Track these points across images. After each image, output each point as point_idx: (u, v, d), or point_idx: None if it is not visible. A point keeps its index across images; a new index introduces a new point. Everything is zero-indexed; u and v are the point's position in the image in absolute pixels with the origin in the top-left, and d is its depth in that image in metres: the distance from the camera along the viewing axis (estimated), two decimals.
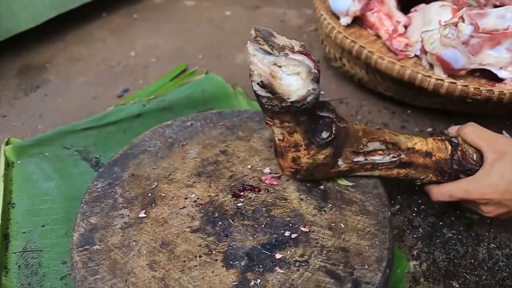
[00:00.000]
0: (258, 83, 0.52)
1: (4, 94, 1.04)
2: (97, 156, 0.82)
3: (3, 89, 1.05)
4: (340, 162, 0.60)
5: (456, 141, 0.62)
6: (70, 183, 0.78)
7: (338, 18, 0.93)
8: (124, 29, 1.26)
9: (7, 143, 0.84)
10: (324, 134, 0.58)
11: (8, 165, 0.80)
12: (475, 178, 0.58)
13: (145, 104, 0.89)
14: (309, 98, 0.53)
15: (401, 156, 0.61)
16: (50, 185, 0.77)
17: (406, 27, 0.88)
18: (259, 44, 0.57)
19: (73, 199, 0.74)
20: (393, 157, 0.61)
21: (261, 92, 0.53)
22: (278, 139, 0.59)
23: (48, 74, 1.10)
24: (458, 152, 0.61)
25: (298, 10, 1.30)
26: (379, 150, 0.61)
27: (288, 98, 0.52)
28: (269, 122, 0.58)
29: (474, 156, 0.60)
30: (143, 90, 1.00)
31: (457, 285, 0.64)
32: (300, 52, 0.57)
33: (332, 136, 0.58)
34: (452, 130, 0.65)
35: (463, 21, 0.77)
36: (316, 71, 0.54)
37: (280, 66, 0.52)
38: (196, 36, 1.22)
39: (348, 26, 0.92)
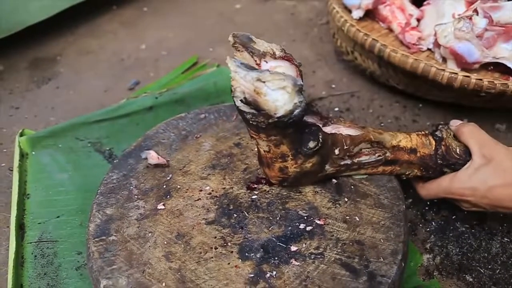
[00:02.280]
0: (241, 100, 0.51)
1: (16, 86, 1.04)
2: (110, 148, 0.83)
3: (15, 81, 1.06)
4: (327, 166, 0.60)
5: (440, 135, 0.63)
6: (83, 174, 0.78)
7: (350, 11, 0.93)
8: (134, 22, 1.26)
9: (21, 135, 0.84)
10: (311, 144, 0.57)
11: (23, 156, 0.81)
12: (458, 178, 0.60)
13: (157, 96, 0.89)
14: (296, 112, 0.51)
15: (387, 155, 0.61)
16: (64, 176, 0.78)
17: (418, 20, 0.88)
18: (239, 50, 0.55)
19: (87, 190, 0.74)
20: (379, 155, 0.61)
21: (245, 108, 0.51)
22: (264, 151, 0.58)
23: (59, 67, 1.10)
24: (442, 147, 0.62)
25: (308, 3, 1.30)
26: (365, 149, 0.61)
27: (274, 114, 0.51)
28: (254, 135, 0.56)
29: (458, 150, 0.61)
30: (154, 83, 1.00)
31: (470, 279, 0.64)
32: (282, 58, 0.55)
33: (319, 145, 0.57)
34: (455, 123, 0.65)
35: (477, 14, 0.77)
36: (301, 82, 0.52)
37: (264, 82, 0.50)
38: (206, 29, 1.22)
39: (360, 19, 0.92)
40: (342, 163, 0.60)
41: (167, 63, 1.09)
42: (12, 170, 0.82)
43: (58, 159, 0.81)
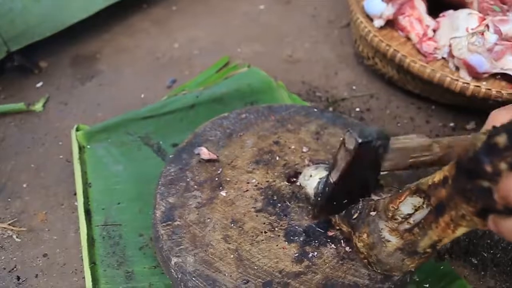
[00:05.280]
0: None
1: (62, 83, 1.14)
2: (158, 142, 0.92)
3: (60, 78, 1.15)
4: (387, 236, 0.56)
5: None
6: (136, 166, 0.88)
7: (371, 19, 1.02)
8: (165, 21, 1.35)
9: (77, 129, 0.94)
10: (354, 214, 0.62)
11: (80, 149, 0.91)
12: None
13: (198, 95, 0.99)
14: None
15: (431, 201, 0.51)
16: (119, 168, 0.88)
17: (434, 31, 0.97)
18: None
19: (141, 180, 0.85)
20: (427, 205, 0.52)
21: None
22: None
23: (100, 65, 1.20)
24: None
25: (330, 5, 1.38)
26: (414, 206, 0.54)
27: None
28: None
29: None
30: (191, 82, 1.10)
31: (475, 261, 0.75)
32: None
33: (358, 212, 0.61)
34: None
35: (489, 29, 0.86)
36: None
37: None
38: (233, 29, 1.31)
39: (381, 27, 1.01)
40: (401, 228, 0.55)
41: (200, 62, 1.18)
42: (69, 162, 0.93)
43: (112, 152, 0.91)
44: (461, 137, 0.59)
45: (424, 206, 0.52)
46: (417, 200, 0.53)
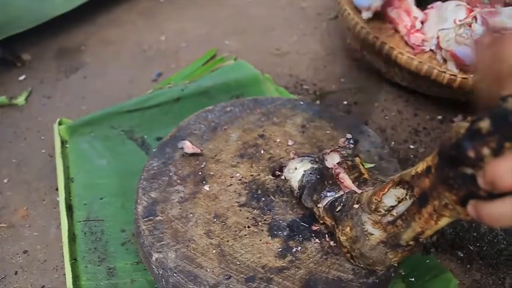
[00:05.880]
0: None
1: (46, 75, 1.12)
2: (142, 136, 0.91)
3: (44, 70, 1.13)
4: (370, 229, 0.55)
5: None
6: (120, 160, 0.87)
7: (359, 11, 1.01)
8: (152, 13, 1.33)
9: (60, 123, 0.92)
10: (337, 206, 0.60)
11: (63, 143, 0.90)
12: None
13: (183, 88, 0.97)
14: None
15: (415, 191, 0.50)
16: (103, 162, 0.87)
17: (422, 22, 0.96)
18: None
19: (125, 175, 0.84)
20: (410, 196, 0.51)
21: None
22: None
23: (85, 57, 1.17)
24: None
25: None
26: (397, 197, 0.52)
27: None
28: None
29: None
30: (177, 74, 1.08)
31: (461, 255, 0.75)
32: None
33: (342, 204, 0.60)
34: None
35: (476, 21, 0.85)
36: None
37: None
38: (221, 22, 1.29)
39: (369, 19, 1.00)
40: (384, 221, 0.54)
41: (187, 54, 1.16)
42: (51, 156, 0.91)
43: (96, 146, 0.89)
44: None
45: (407, 197, 0.51)
46: (400, 192, 0.52)
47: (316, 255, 0.62)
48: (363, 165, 0.65)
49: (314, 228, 0.65)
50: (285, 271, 0.60)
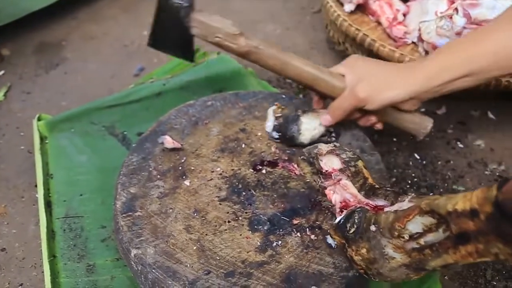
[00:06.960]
0: None
1: (25, 71, 1.10)
2: (123, 131, 0.90)
3: (23, 66, 1.11)
4: (391, 253, 0.52)
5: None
6: (100, 156, 0.86)
7: (342, 4, 1.00)
8: (134, 7, 1.31)
9: (39, 119, 0.91)
10: (350, 227, 0.57)
11: (42, 139, 0.88)
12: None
13: (165, 83, 0.96)
14: None
15: (451, 227, 0.46)
16: (83, 158, 0.85)
17: (404, 15, 0.96)
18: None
19: (105, 171, 0.82)
20: (444, 230, 0.47)
21: None
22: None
23: (65, 52, 1.16)
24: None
25: None
26: (426, 225, 0.49)
27: None
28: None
29: None
30: (159, 69, 1.07)
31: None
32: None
33: (355, 226, 0.56)
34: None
35: (457, 12, 0.85)
36: None
37: None
38: None
39: (351, 12, 0.99)
40: (408, 247, 0.50)
41: None
42: (31, 153, 0.90)
43: (76, 142, 0.88)
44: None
45: (440, 230, 0.47)
46: (428, 221, 0.48)
47: (297, 249, 0.62)
48: (366, 168, 0.64)
49: (295, 222, 0.65)
50: (265, 265, 0.60)
